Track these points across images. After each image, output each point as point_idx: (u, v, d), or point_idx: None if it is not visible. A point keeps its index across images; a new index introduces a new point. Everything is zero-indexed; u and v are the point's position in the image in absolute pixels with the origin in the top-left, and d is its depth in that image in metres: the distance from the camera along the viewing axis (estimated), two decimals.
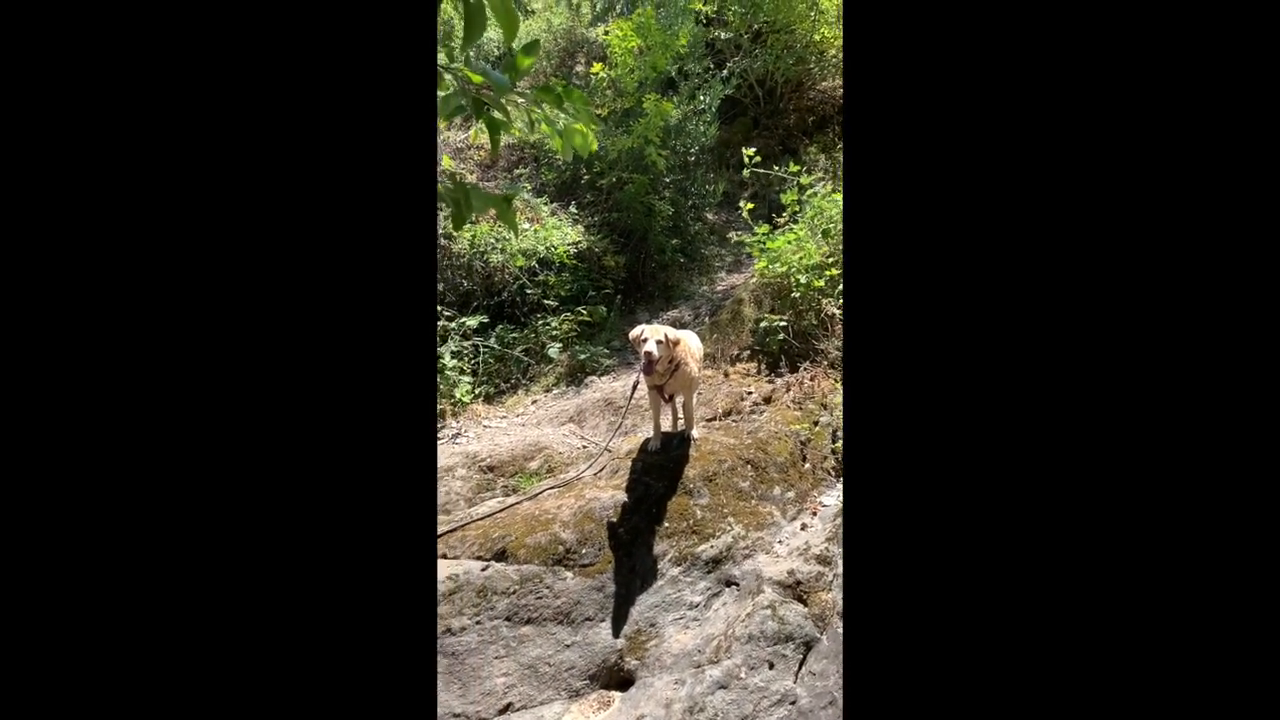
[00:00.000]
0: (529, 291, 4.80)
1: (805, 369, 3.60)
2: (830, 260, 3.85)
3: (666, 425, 3.00)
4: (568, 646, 2.11)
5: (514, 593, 2.20)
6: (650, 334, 2.51)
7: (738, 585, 2.30)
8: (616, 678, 2.07)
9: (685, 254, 5.57)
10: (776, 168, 4.84)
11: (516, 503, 2.67)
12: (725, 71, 6.15)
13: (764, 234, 4.19)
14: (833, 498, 2.77)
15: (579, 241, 5.04)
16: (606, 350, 4.55)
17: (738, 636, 2.06)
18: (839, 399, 3.25)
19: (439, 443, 3.66)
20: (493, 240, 4.85)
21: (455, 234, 4.81)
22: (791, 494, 2.74)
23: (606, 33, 5.48)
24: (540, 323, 4.65)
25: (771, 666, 1.98)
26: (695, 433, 2.89)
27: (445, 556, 2.35)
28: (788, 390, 3.47)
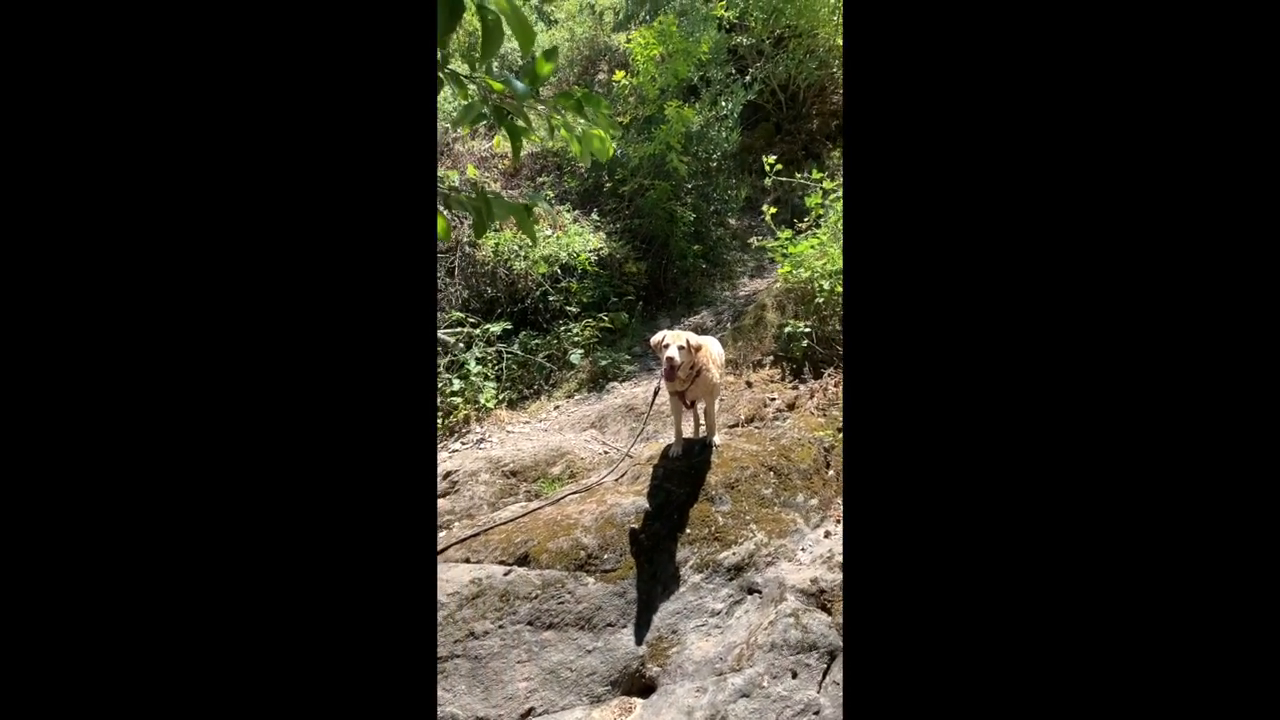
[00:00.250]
0: (551, 298, 4.83)
1: (829, 375, 3.56)
2: None
3: (688, 431, 2.99)
4: (589, 652, 2.11)
5: (536, 597, 2.20)
6: (672, 340, 2.51)
7: (760, 593, 2.28)
8: (638, 684, 2.06)
9: (707, 260, 5.56)
10: (799, 175, 4.81)
11: (539, 508, 2.69)
12: (747, 77, 6.15)
13: (787, 239, 4.17)
14: None
15: (601, 248, 5.07)
16: (628, 356, 4.56)
17: (760, 645, 2.04)
18: None
19: (463, 448, 3.70)
20: (515, 248, 4.90)
21: (479, 242, 4.87)
22: (815, 501, 2.70)
23: (629, 40, 5.51)
24: (562, 329, 4.68)
25: (795, 676, 1.95)
26: (717, 439, 2.88)
27: (468, 560, 2.37)
28: (811, 396, 3.44)
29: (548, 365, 4.50)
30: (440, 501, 3.01)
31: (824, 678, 1.96)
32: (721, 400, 3.37)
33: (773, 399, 3.49)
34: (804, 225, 4.39)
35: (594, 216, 5.45)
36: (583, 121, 1.18)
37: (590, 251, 4.97)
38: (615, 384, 4.30)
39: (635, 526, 2.45)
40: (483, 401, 4.10)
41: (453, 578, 2.26)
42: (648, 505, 2.54)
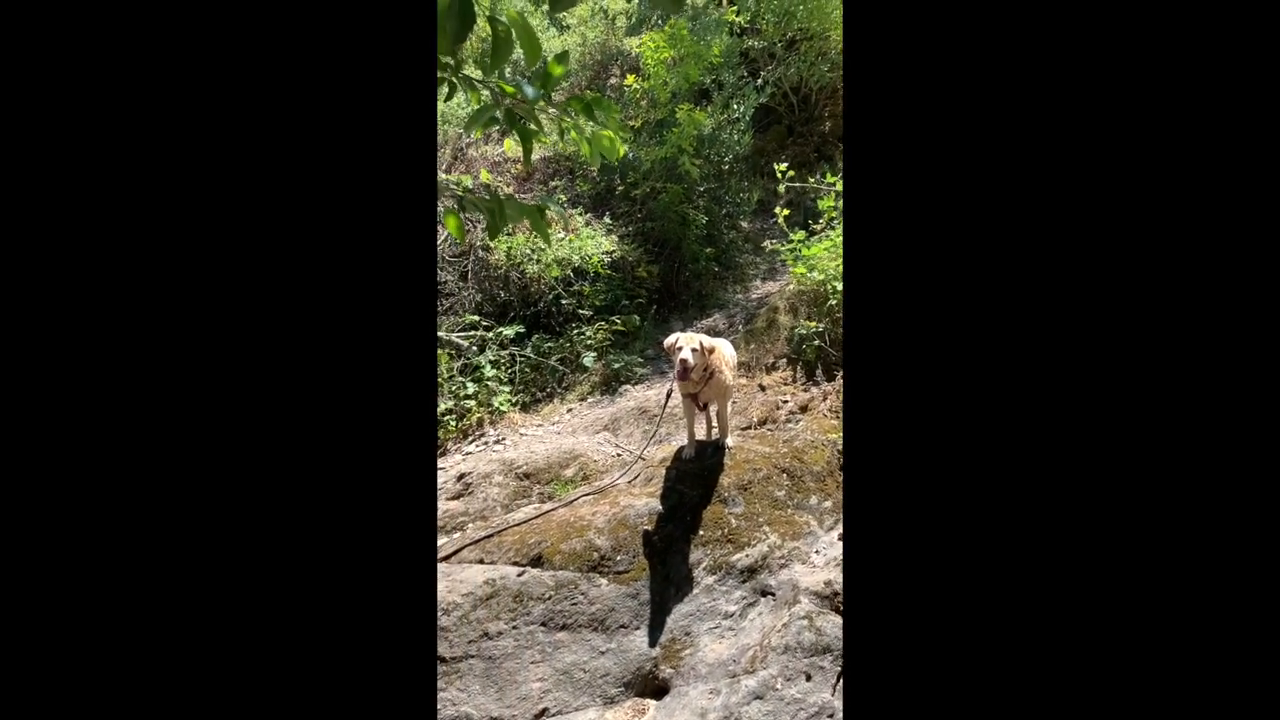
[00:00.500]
0: (564, 301, 4.85)
1: (842, 377, 3.55)
2: None
3: (701, 434, 2.99)
4: (603, 653, 2.11)
5: (549, 598, 2.21)
6: (685, 341, 2.52)
7: (773, 595, 2.27)
8: (651, 686, 2.06)
9: (719, 263, 5.56)
10: (812, 179, 4.80)
11: (552, 509, 2.70)
12: (759, 80, 6.15)
13: (799, 241, 4.16)
14: None
15: (613, 251, 5.08)
16: (640, 359, 4.57)
17: (774, 647, 2.03)
18: None
19: (478, 450, 3.72)
20: (528, 251, 4.93)
21: (492, 245, 4.91)
22: (828, 504, 2.69)
23: (640, 45, 5.53)
24: (575, 332, 4.69)
25: (808, 678, 1.94)
26: (730, 441, 2.88)
27: (482, 561, 2.39)
28: (824, 399, 3.42)
29: (560, 368, 4.52)
30: (454, 503, 3.03)
31: (838, 680, 1.95)
32: (734, 403, 3.37)
33: (785, 401, 3.48)
34: (818, 227, 4.38)
35: (606, 220, 5.47)
36: (592, 124, 1.19)
37: (602, 255, 4.99)
38: (628, 386, 4.30)
39: (648, 528, 2.45)
40: (496, 404, 4.13)
41: (467, 578, 2.28)
42: (660, 507, 2.55)
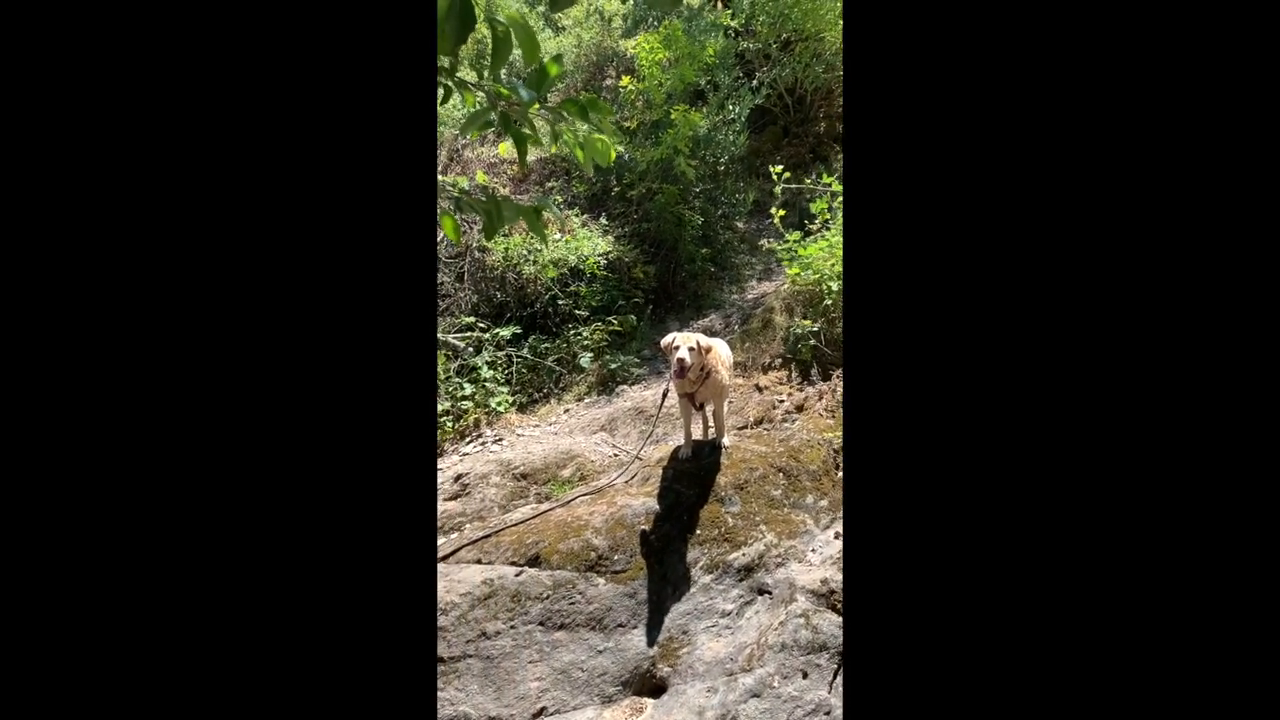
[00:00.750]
0: (560, 302, 4.86)
1: (838, 377, 3.56)
2: None
3: (697, 433, 3.00)
4: (600, 652, 2.12)
5: (547, 598, 2.22)
6: (682, 340, 2.53)
7: (770, 594, 2.28)
8: (649, 684, 2.07)
9: (715, 263, 5.57)
10: (808, 180, 4.82)
11: (549, 509, 2.71)
12: (754, 81, 6.16)
13: (795, 241, 4.17)
14: None
15: (609, 252, 5.10)
16: (637, 359, 4.58)
17: (771, 645, 2.04)
18: None
19: (475, 451, 3.73)
20: (525, 252, 4.94)
21: (488, 246, 4.92)
22: (825, 502, 2.71)
23: (636, 46, 5.55)
24: (572, 333, 4.71)
25: (805, 676, 1.96)
26: (726, 441, 2.89)
27: (480, 561, 2.39)
28: (820, 398, 3.44)
29: (557, 369, 4.53)
30: (452, 504, 3.04)
31: (835, 678, 1.97)
32: (730, 402, 3.38)
33: (781, 401, 3.49)
34: (813, 227, 4.40)
35: (602, 220, 5.48)
36: (586, 127, 1.20)
37: (599, 255, 5.00)
38: (624, 387, 4.31)
39: (645, 528, 2.46)
40: (493, 405, 4.14)
41: (465, 578, 2.28)
42: (657, 507, 2.56)
